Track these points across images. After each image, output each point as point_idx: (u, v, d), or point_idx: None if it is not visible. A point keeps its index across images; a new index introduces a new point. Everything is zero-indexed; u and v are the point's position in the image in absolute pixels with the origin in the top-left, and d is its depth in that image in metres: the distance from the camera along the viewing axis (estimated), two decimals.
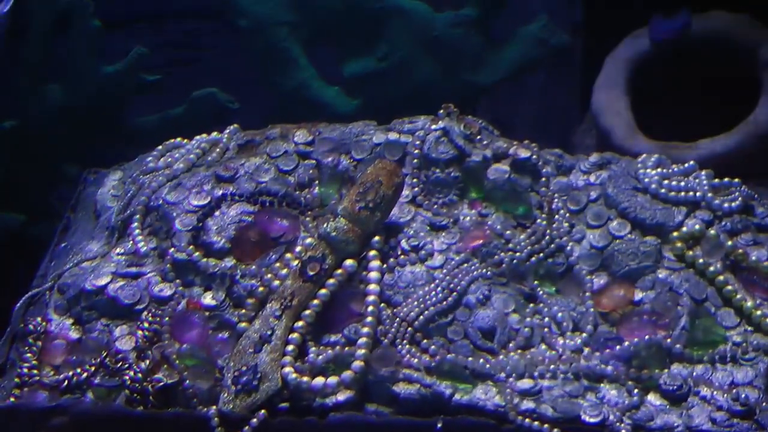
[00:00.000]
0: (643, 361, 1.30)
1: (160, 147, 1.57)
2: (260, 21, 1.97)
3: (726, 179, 1.45)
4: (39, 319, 1.39)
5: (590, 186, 1.46)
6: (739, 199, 1.42)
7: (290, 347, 1.30)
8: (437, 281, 1.36)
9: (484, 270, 1.37)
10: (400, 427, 1.26)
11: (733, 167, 1.52)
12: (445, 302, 1.34)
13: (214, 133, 1.57)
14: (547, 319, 1.35)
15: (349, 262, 1.34)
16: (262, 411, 1.26)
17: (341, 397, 1.27)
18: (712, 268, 1.36)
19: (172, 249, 1.40)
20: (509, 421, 1.25)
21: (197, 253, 1.39)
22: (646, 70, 1.82)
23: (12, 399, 1.32)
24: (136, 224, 1.45)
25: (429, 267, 1.37)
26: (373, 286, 1.34)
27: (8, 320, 1.42)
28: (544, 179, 1.45)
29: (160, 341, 1.34)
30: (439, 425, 1.25)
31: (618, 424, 1.25)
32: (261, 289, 1.35)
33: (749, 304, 1.34)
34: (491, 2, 1.96)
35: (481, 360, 1.30)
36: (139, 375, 1.30)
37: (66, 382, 1.32)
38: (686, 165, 1.47)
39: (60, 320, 1.40)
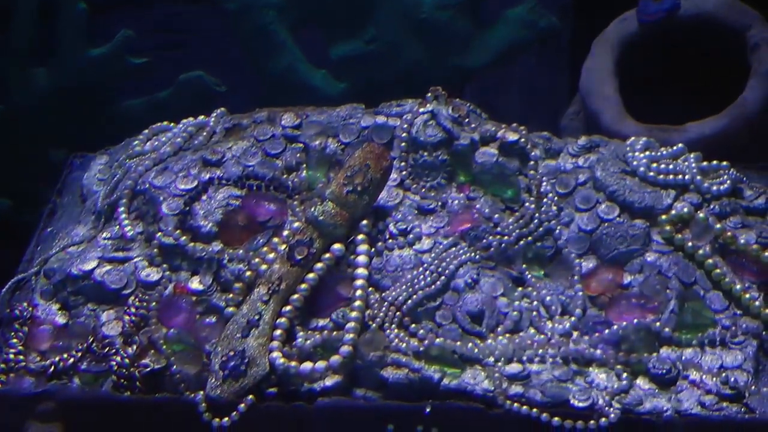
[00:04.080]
0: (631, 345, 1.29)
1: (146, 131, 1.56)
2: (247, 4, 1.96)
3: (714, 162, 1.45)
4: (25, 304, 1.39)
5: (579, 169, 1.45)
6: (728, 182, 1.42)
7: (278, 332, 1.30)
8: (425, 265, 1.35)
9: (473, 254, 1.37)
10: (388, 411, 1.26)
11: (721, 150, 1.52)
12: (433, 286, 1.34)
13: (201, 117, 1.56)
14: (535, 302, 1.34)
15: (337, 246, 1.34)
16: (250, 396, 1.26)
17: (329, 381, 1.27)
18: (701, 252, 1.36)
19: (159, 233, 1.39)
20: (498, 405, 1.25)
21: (184, 238, 1.38)
22: (635, 52, 1.81)
23: None
24: (122, 208, 1.44)
25: (417, 251, 1.37)
26: (361, 270, 1.33)
27: None
28: (532, 162, 1.44)
29: (147, 326, 1.34)
30: (428, 410, 1.25)
31: (607, 408, 1.24)
32: (248, 273, 1.34)
33: (738, 287, 1.34)
34: None
35: (470, 344, 1.30)
36: (126, 360, 1.30)
37: (52, 368, 1.32)
38: (675, 148, 1.46)
39: (46, 305, 1.39)
